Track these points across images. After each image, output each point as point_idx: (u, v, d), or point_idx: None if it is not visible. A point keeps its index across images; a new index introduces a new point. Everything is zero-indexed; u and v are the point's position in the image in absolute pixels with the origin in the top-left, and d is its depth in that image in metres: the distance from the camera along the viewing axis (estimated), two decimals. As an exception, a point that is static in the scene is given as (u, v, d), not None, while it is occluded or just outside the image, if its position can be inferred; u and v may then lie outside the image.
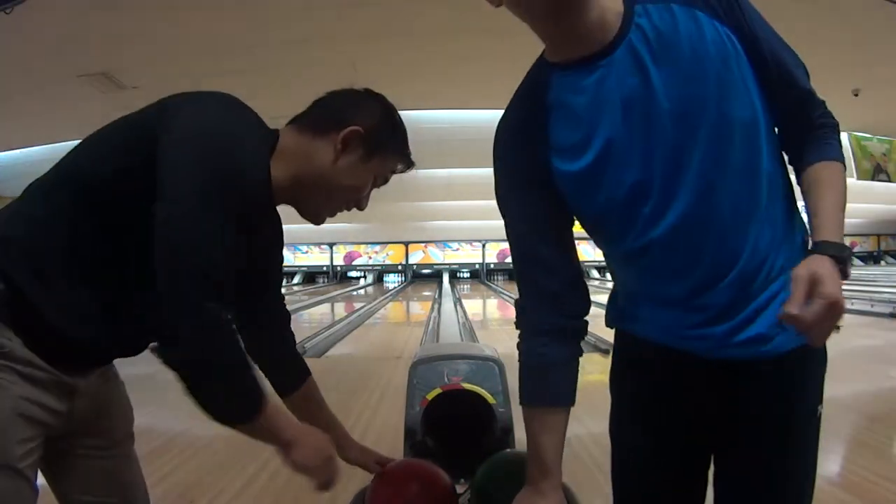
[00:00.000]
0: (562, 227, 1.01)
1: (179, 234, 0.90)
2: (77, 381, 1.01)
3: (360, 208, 1.18)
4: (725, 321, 0.94)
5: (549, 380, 1.02)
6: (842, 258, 0.81)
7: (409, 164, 1.21)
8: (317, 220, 1.16)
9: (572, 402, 1.03)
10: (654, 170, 0.90)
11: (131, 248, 0.97)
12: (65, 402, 0.99)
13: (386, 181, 1.19)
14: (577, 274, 1.04)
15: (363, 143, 1.11)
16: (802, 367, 0.98)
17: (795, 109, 0.95)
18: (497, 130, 1.00)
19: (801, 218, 1.01)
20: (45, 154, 8.55)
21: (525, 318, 1.05)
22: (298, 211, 1.15)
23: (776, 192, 0.95)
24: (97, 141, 1.05)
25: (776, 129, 0.96)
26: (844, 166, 0.96)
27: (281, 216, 1.24)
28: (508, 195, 1.01)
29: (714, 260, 0.93)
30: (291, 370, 1.35)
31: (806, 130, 0.97)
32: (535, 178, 0.96)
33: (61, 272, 0.96)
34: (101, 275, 0.99)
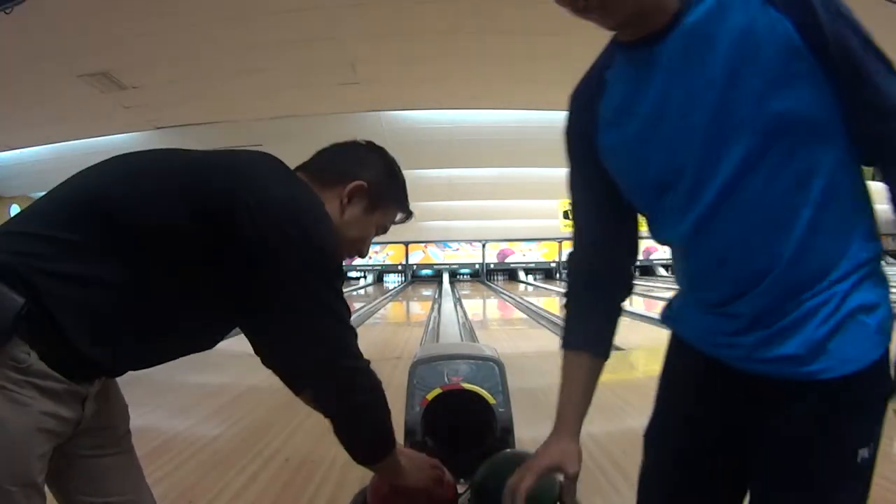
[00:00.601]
0: (615, 202, 1.01)
1: (323, 328, 1.06)
2: (88, 388, 1.01)
3: (362, 256, 1.25)
4: (755, 331, 0.89)
5: (582, 328, 1.07)
6: None
7: (409, 215, 1.29)
8: None
9: (602, 354, 1.07)
10: (684, 161, 0.87)
11: (161, 282, 1.00)
12: (78, 409, 1.00)
13: (385, 230, 1.26)
14: (626, 247, 1.05)
15: (367, 196, 1.18)
16: (848, 399, 0.86)
17: (874, 120, 0.83)
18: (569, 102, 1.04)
19: (874, 232, 0.90)
20: (45, 154, 8.54)
21: (572, 272, 1.10)
22: None
23: (838, 202, 0.85)
24: (138, 177, 1.05)
25: (853, 134, 0.85)
26: None
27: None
28: (570, 165, 1.04)
29: (743, 265, 0.88)
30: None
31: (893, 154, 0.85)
32: (589, 153, 0.98)
33: (88, 298, 0.95)
34: (129, 305, 0.99)
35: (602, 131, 0.95)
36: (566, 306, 1.11)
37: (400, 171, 1.27)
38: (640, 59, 0.88)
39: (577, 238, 1.08)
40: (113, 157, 1.09)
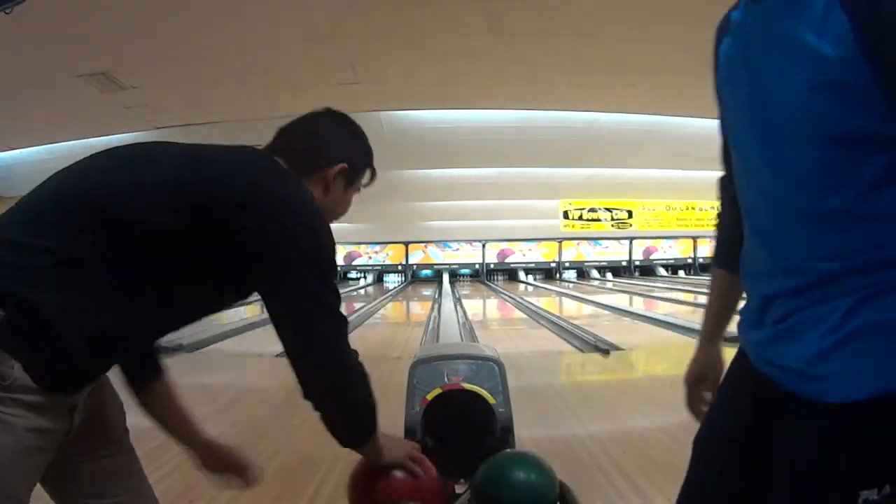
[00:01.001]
0: None
1: (319, 323, 1.08)
2: (76, 397, 0.99)
3: (337, 219, 1.28)
4: (763, 327, 0.86)
5: (727, 247, 1.09)
6: None
7: (374, 175, 1.33)
8: None
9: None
10: (737, 133, 0.89)
11: (156, 280, 1.00)
12: (66, 420, 0.98)
13: (358, 191, 1.30)
14: None
15: (347, 174, 1.22)
16: (855, 429, 0.75)
17: None
18: None
19: None
20: (44, 154, 8.54)
21: (721, 193, 1.12)
22: None
23: (885, 207, 0.74)
24: (134, 177, 1.03)
25: None
26: None
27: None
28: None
29: (769, 246, 0.85)
30: (151, 368, 1.29)
31: None
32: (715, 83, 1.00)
33: (78, 304, 0.93)
34: (122, 307, 0.98)
35: (718, 67, 0.96)
36: (716, 226, 1.15)
37: (364, 135, 1.30)
38: (747, 10, 0.86)
39: (723, 159, 1.07)
40: (98, 153, 1.07)
